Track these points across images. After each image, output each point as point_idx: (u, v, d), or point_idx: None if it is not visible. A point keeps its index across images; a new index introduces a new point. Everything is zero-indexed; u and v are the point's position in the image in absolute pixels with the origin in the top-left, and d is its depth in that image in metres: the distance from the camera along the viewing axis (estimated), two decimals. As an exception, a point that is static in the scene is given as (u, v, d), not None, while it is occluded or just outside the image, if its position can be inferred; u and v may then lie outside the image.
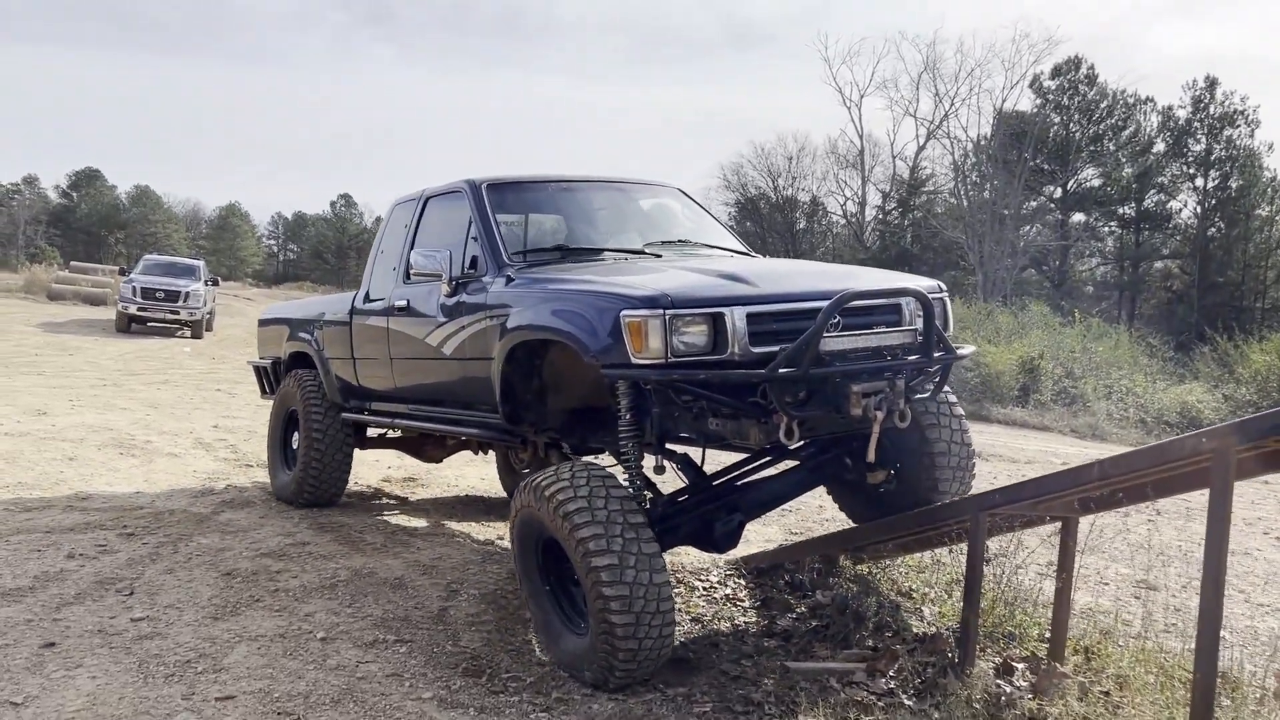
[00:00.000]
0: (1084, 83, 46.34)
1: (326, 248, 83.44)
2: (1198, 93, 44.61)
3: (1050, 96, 46.38)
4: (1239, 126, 43.79)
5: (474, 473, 8.32)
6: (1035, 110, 45.75)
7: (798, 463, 4.69)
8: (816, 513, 7.02)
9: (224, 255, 77.77)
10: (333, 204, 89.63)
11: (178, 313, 22.31)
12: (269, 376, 7.58)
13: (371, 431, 6.86)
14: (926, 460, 4.57)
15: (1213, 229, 43.88)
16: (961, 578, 4.24)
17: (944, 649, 3.94)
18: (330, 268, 78.80)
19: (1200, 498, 3.10)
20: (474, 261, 4.87)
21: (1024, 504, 3.82)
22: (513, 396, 4.56)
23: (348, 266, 73.28)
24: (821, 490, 5.14)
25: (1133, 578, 5.56)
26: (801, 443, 4.24)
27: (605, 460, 4.98)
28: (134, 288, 22.48)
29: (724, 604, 4.85)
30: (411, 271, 4.99)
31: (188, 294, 22.38)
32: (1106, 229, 48.58)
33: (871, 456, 3.79)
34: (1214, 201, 44.09)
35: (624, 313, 3.69)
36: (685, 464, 4.56)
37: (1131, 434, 14.35)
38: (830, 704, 3.53)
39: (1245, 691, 3.53)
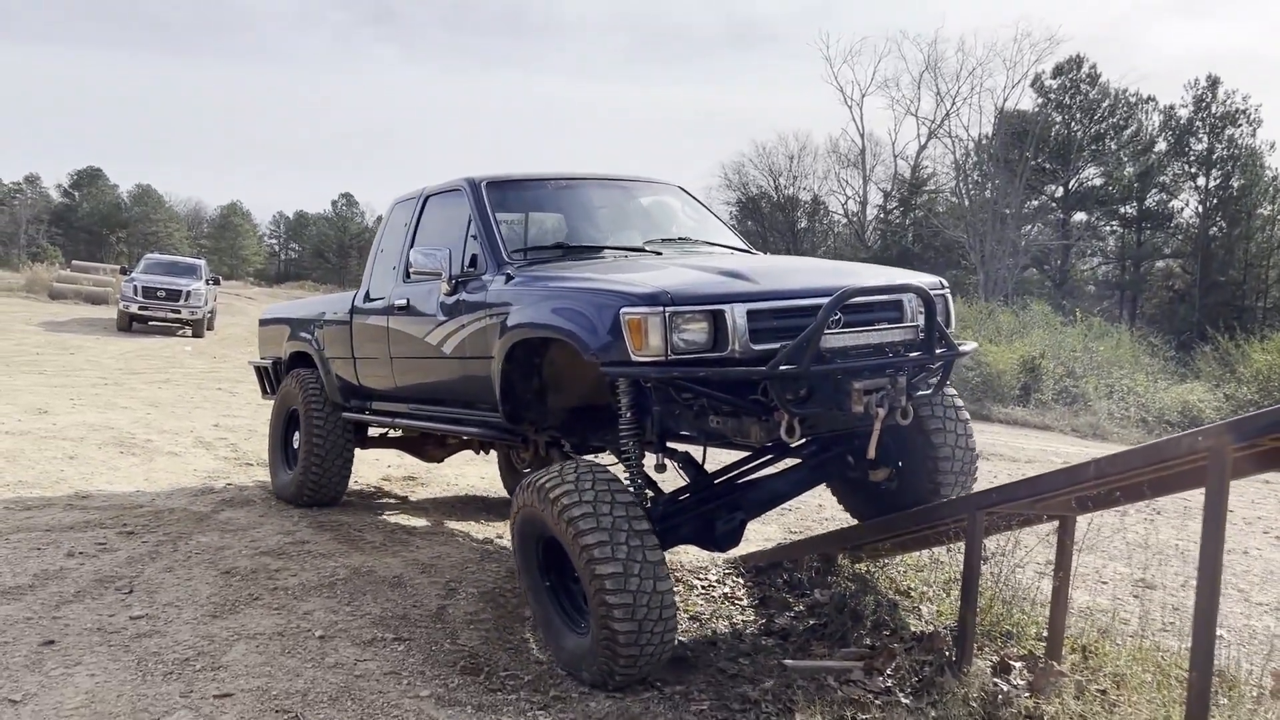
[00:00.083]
0: (1085, 82, 46.35)
1: (328, 247, 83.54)
2: (1199, 92, 44.63)
3: (1052, 96, 46.39)
4: (1240, 126, 43.84)
5: (474, 472, 8.32)
6: (1037, 109, 45.77)
7: (799, 461, 4.67)
8: (816, 511, 7.02)
9: (225, 254, 77.83)
10: (334, 203, 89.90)
11: (179, 312, 22.33)
12: (270, 376, 7.57)
13: (372, 431, 6.85)
14: (930, 464, 4.55)
15: (1214, 228, 43.88)
16: (959, 576, 4.23)
17: (941, 647, 3.94)
18: (332, 267, 78.94)
19: (1199, 496, 3.10)
20: (474, 260, 4.85)
21: (1021, 503, 3.81)
22: (513, 395, 4.55)
23: (349, 266, 73.37)
24: (821, 489, 5.13)
25: (1131, 576, 5.56)
26: (803, 440, 4.21)
27: (606, 458, 4.98)
28: (135, 287, 22.50)
29: (722, 602, 4.85)
30: (411, 270, 4.97)
31: (189, 293, 22.40)
32: (1108, 228, 48.57)
33: (872, 453, 3.78)
34: (1215, 201, 44.07)
35: (624, 310, 3.68)
36: (686, 462, 4.55)
37: (1133, 433, 14.33)
38: (828, 702, 3.53)
39: (1242, 690, 3.52)
